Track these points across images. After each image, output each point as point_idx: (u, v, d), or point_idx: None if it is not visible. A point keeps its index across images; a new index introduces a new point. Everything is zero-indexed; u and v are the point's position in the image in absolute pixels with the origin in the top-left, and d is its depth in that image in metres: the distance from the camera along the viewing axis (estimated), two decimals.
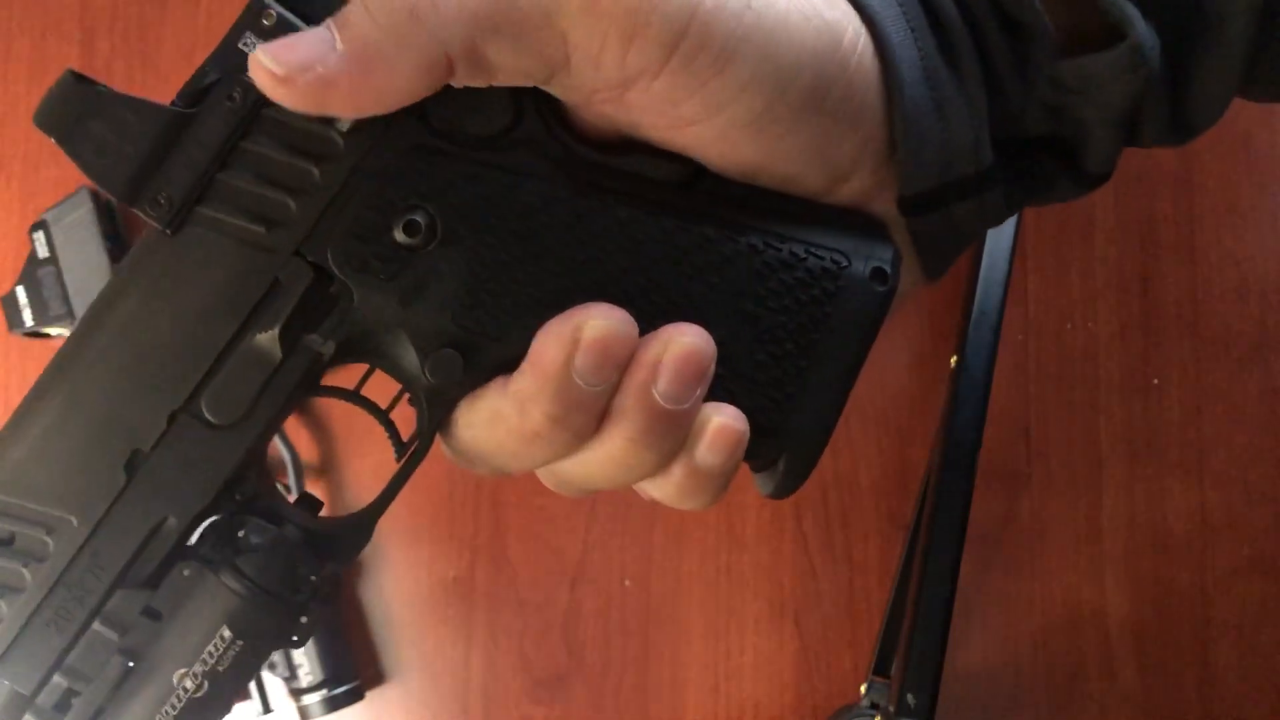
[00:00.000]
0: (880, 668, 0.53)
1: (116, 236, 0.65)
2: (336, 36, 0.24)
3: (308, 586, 0.28)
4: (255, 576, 0.26)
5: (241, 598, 0.26)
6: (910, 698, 0.47)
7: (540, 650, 0.60)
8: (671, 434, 0.26)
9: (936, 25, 0.27)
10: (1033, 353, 0.58)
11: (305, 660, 0.60)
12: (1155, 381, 0.57)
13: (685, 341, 0.25)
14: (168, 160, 0.25)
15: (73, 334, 0.27)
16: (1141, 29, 0.27)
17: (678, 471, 0.27)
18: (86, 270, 0.63)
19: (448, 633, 0.61)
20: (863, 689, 0.53)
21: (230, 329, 0.26)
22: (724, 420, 0.26)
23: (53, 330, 0.64)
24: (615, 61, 0.25)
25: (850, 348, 0.27)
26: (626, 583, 0.60)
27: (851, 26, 0.27)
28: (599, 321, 0.25)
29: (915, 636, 0.48)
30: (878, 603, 0.57)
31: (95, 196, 0.64)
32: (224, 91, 0.25)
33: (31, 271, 0.64)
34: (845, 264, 0.27)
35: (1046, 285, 0.58)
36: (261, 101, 0.25)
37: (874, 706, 0.53)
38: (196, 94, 0.25)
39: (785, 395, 0.27)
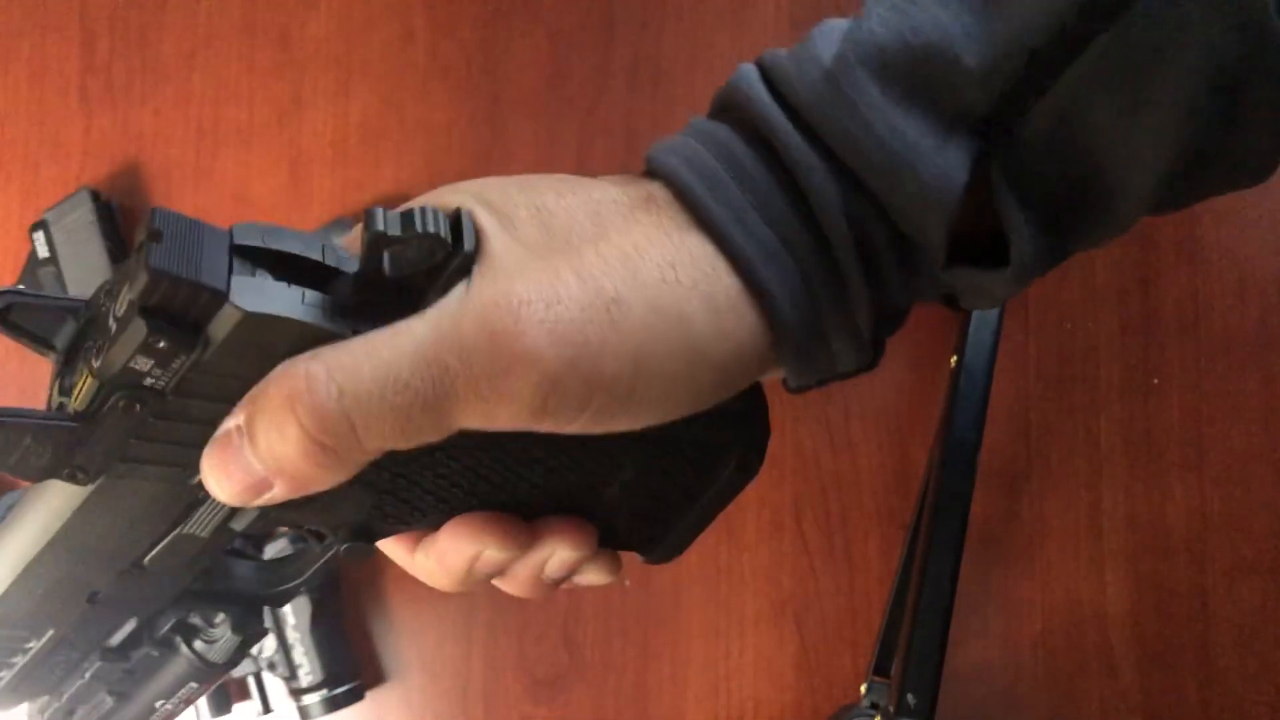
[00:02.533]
0: (880, 668, 0.53)
1: (116, 236, 0.65)
2: (272, 477, 0.26)
3: (251, 644, 0.35)
4: (205, 654, 0.33)
5: (198, 667, 0.33)
6: (910, 698, 0.47)
7: (540, 650, 0.60)
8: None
9: (823, 251, 0.28)
10: (1033, 353, 0.58)
11: (305, 660, 0.60)
12: (1155, 381, 0.57)
13: (567, 555, 0.31)
14: (78, 452, 0.26)
15: (19, 516, 0.29)
16: (1025, 247, 0.28)
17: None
18: (86, 270, 0.63)
19: (448, 633, 0.61)
20: (863, 689, 0.53)
21: (161, 530, 0.29)
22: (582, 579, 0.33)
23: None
24: (521, 423, 0.26)
25: (716, 506, 0.33)
26: (626, 583, 0.60)
27: (737, 294, 0.27)
28: (494, 553, 0.30)
29: (915, 636, 0.48)
30: (878, 603, 0.57)
31: (95, 196, 0.64)
32: (123, 401, 0.25)
33: (31, 271, 0.64)
34: (726, 450, 0.32)
35: (1046, 285, 0.58)
36: (162, 398, 0.26)
37: (874, 706, 0.53)
38: (94, 400, 0.25)
39: (664, 529, 0.33)
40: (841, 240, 0.27)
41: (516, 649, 0.60)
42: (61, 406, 0.26)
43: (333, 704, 0.60)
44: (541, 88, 0.63)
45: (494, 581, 0.32)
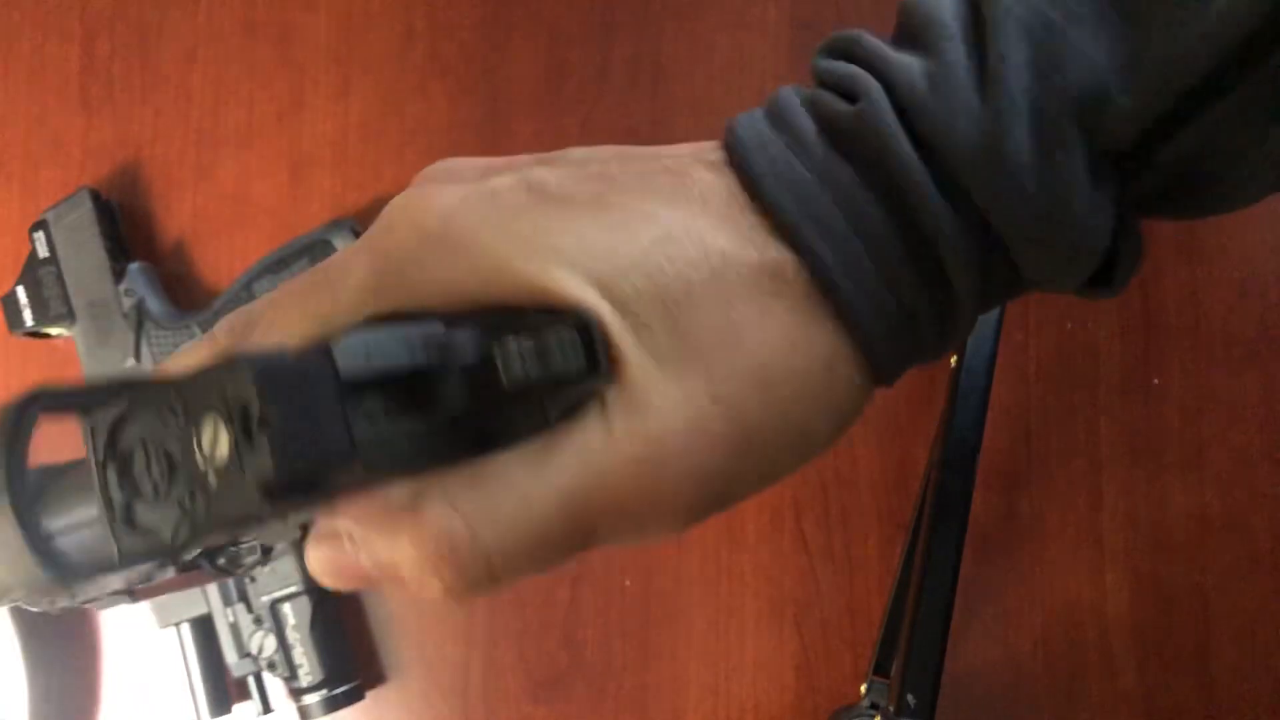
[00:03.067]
0: (880, 668, 0.53)
1: (116, 236, 0.65)
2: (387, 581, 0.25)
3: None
4: (228, 569, 0.32)
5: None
6: (910, 698, 0.47)
7: (540, 650, 0.60)
8: None
9: (943, 312, 0.26)
10: (1033, 353, 0.58)
11: (305, 660, 0.60)
12: (1155, 381, 0.57)
13: None
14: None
15: None
16: (1133, 268, 0.27)
17: None
18: (86, 270, 0.63)
19: (448, 633, 0.61)
20: (863, 689, 0.53)
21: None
22: None
23: (53, 330, 0.64)
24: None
25: None
26: (626, 583, 0.60)
27: (857, 390, 0.27)
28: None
29: (915, 636, 0.48)
30: (878, 603, 0.57)
31: (95, 196, 0.64)
32: (221, 565, 0.25)
33: (31, 271, 0.64)
34: None
35: None
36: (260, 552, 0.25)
37: (874, 706, 0.53)
38: (192, 546, 0.23)
39: None
40: (969, 301, 0.26)
41: (516, 649, 0.60)
42: (129, 509, 0.22)
43: (333, 704, 0.60)
44: (541, 88, 0.63)
45: None
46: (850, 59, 0.27)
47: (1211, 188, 0.27)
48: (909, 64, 0.25)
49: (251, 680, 0.61)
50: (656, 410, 0.23)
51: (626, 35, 0.62)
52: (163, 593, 0.35)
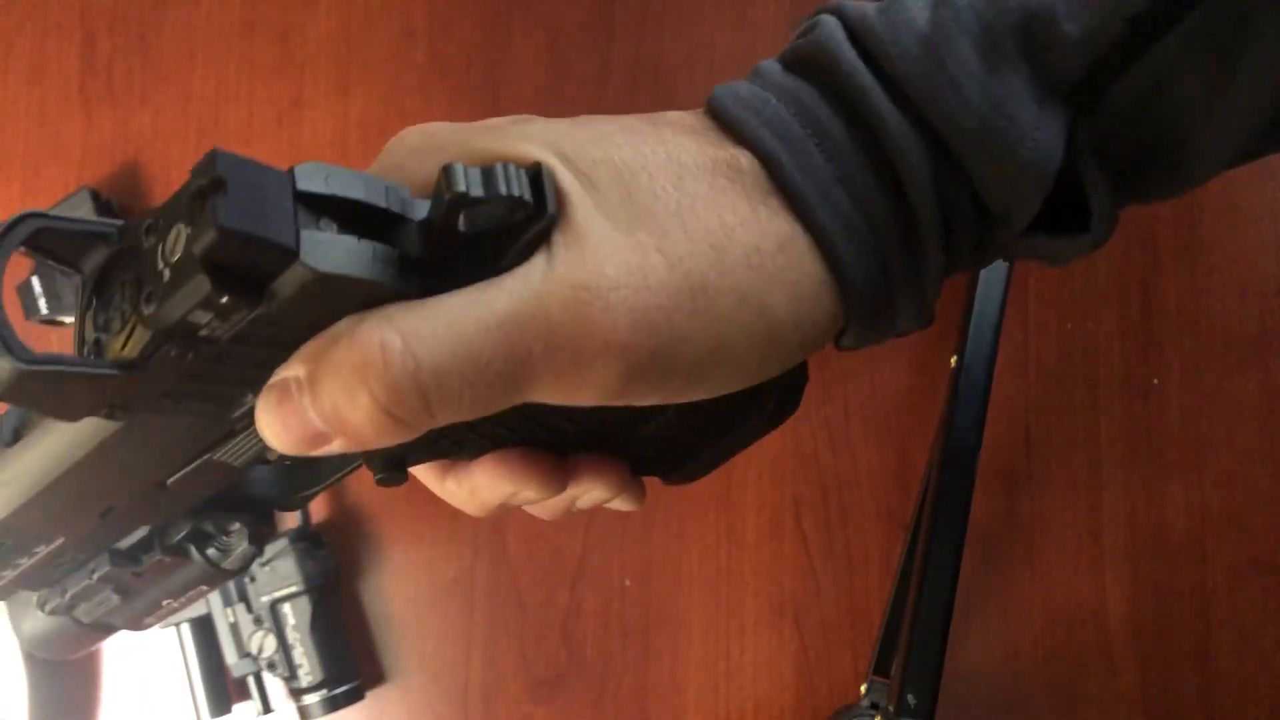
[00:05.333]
0: (880, 668, 0.53)
1: None
2: (332, 435, 0.25)
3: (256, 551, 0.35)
4: (218, 561, 0.33)
5: (210, 572, 0.34)
6: (910, 698, 0.47)
7: (540, 650, 0.60)
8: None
9: (907, 226, 0.27)
10: (1033, 353, 0.58)
11: (305, 660, 0.60)
12: (1155, 381, 0.57)
13: (600, 494, 0.32)
14: (122, 395, 0.25)
15: (42, 437, 0.28)
16: (1106, 214, 0.27)
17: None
18: None
19: (448, 633, 0.61)
20: (863, 689, 0.53)
21: (191, 455, 0.29)
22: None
23: (67, 318, 0.64)
24: (595, 402, 0.26)
25: (743, 442, 0.33)
26: (626, 583, 0.60)
27: (819, 281, 0.26)
28: (530, 493, 0.31)
29: (915, 636, 0.48)
30: (878, 603, 0.57)
31: (95, 196, 0.64)
32: (176, 351, 0.24)
33: (31, 271, 0.64)
34: (767, 393, 0.31)
35: (1046, 285, 0.58)
36: (216, 347, 0.24)
37: (874, 706, 0.53)
38: (145, 349, 0.24)
39: (690, 458, 0.33)
40: (928, 217, 0.26)
41: (516, 649, 0.60)
42: (98, 344, 0.24)
43: (332, 704, 0.60)
44: (541, 88, 0.63)
45: (524, 508, 0.33)
46: (818, 14, 0.29)
47: (1176, 146, 0.27)
48: (864, 3, 0.27)
49: (251, 680, 0.61)
50: (597, 247, 0.24)
51: (626, 35, 0.62)
52: (166, 612, 0.36)
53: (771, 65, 0.28)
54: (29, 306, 0.64)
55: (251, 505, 0.33)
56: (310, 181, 0.23)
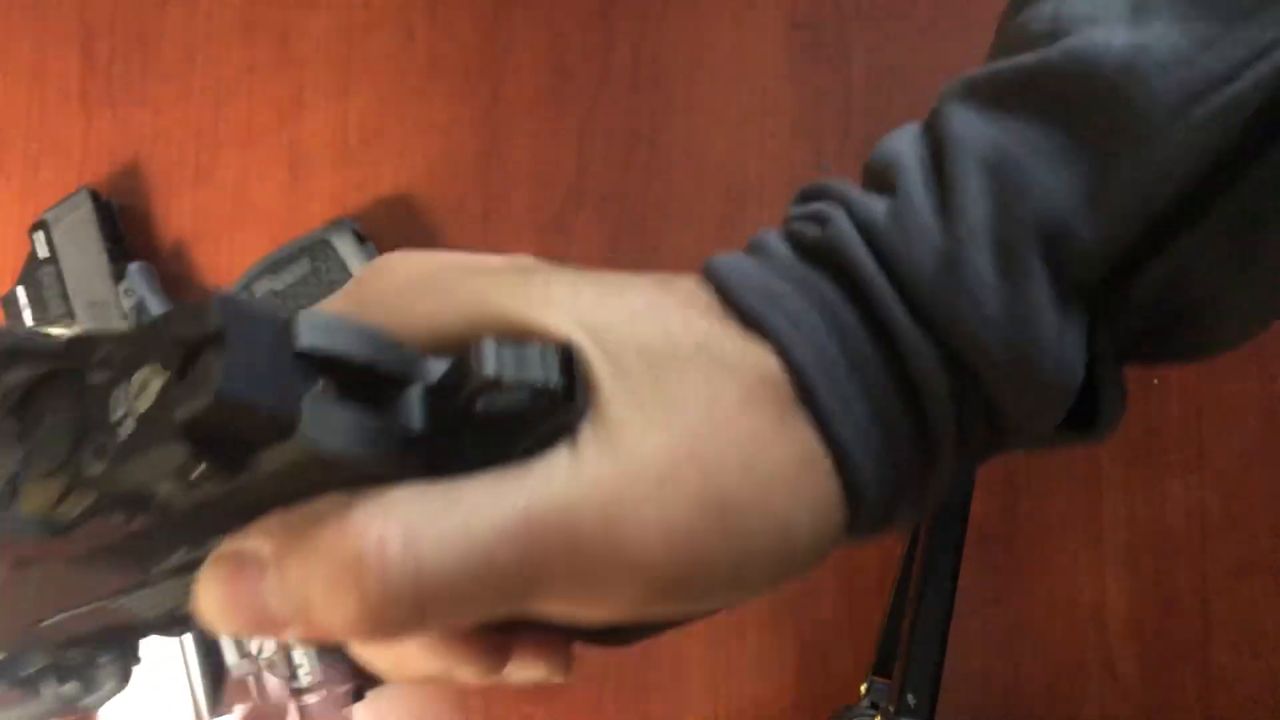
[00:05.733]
0: (880, 668, 0.53)
1: (116, 236, 0.65)
2: (293, 626, 0.21)
3: None
4: (76, 698, 0.30)
5: (66, 707, 0.30)
6: (910, 698, 0.47)
7: None
8: None
9: (923, 442, 0.25)
10: None
11: (305, 660, 0.60)
12: (1155, 381, 0.57)
13: (534, 675, 0.27)
14: (36, 554, 0.22)
15: None
16: (1118, 409, 0.27)
17: None
18: (86, 270, 0.63)
19: None
20: (863, 689, 0.53)
21: (89, 600, 0.25)
22: None
23: (53, 330, 0.64)
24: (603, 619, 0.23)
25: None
26: None
27: (838, 499, 0.25)
28: (463, 674, 0.26)
29: (915, 636, 0.48)
30: (878, 603, 0.57)
31: (95, 196, 0.64)
32: (121, 518, 0.20)
33: (31, 271, 0.64)
34: None
35: None
36: (168, 513, 0.21)
37: (874, 706, 0.53)
38: (84, 513, 0.20)
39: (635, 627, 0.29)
40: (946, 436, 0.25)
41: None
42: (14, 487, 0.20)
43: (333, 704, 0.60)
44: (541, 88, 0.63)
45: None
46: (819, 198, 0.27)
47: (1194, 324, 0.26)
48: (872, 200, 0.26)
49: (251, 680, 0.61)
50: (631, 449, 0.22)
51: (626, 35, 0.62)
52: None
53: (779, 245, 0.26)
54: (13, 319, 0.64)
55: (127, 631, 0.27)
56: (312, 336, 0.19)
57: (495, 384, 0.20)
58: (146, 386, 0.18)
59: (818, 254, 0.26)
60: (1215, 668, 0.55)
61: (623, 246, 0.60)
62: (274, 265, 0.60)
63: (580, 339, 0.22)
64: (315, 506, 0.20)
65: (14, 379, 0.20)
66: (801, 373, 0.24)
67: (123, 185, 0.67)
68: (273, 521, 0.21)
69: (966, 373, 0.25)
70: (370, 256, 0.60)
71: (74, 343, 0.20)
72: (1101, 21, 0.24)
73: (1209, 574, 0.55)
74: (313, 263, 0.59)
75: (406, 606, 0.20)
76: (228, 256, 0.65)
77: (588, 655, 0.61)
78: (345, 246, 0.59)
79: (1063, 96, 0.24)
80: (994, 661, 0.56)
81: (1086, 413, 0.27)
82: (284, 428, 0.18)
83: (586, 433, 0.22)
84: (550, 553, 0.21)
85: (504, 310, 0.23)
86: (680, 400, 0.23)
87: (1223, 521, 0.55)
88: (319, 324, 0.19)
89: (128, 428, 0.18)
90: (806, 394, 0.24)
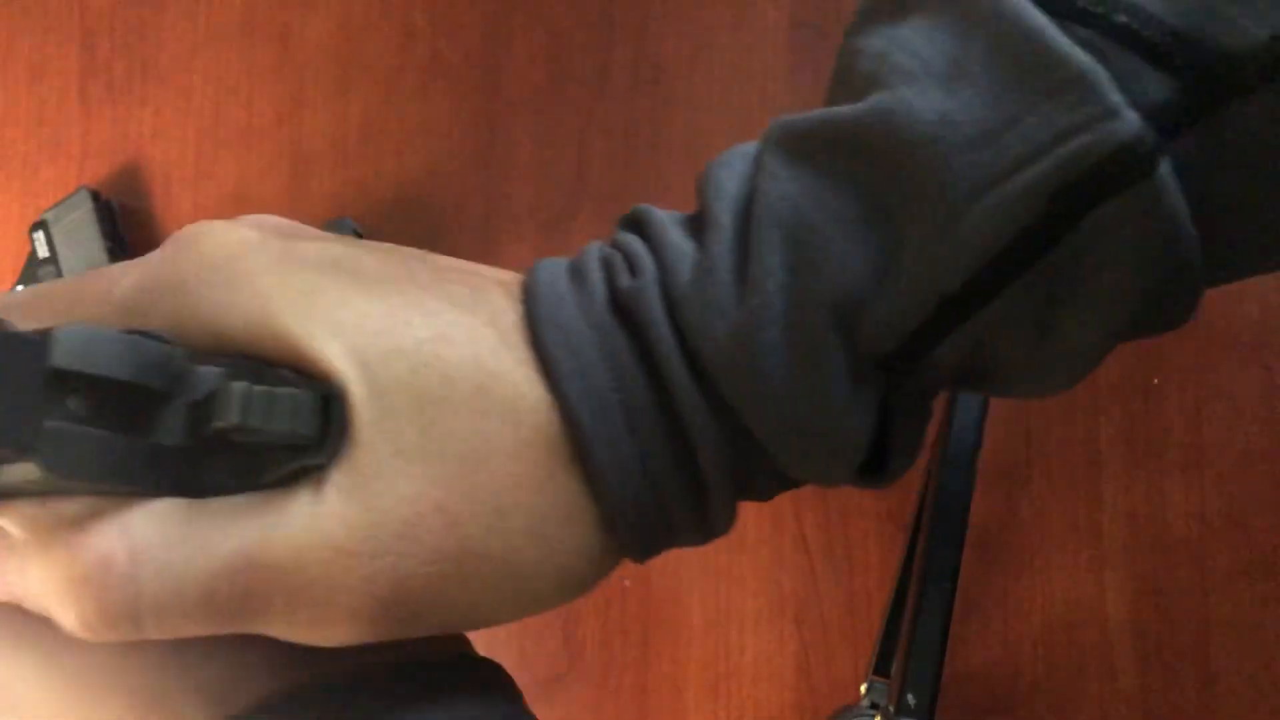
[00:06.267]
0: (880, 668, 0.53)
1: (116, 236, 0.65)
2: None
3: None
4: None
5: None
6: (910, 698, 0.47)
7: (540, 650, 0.60)
8: None
9: (699, 487, 0.25)
10: None
11: None
12: (1155, 381, 0.57)
13: None
14: None
15: None
16: (904, 462, 0.27)
17: None
18: (86, 270, 0.63)
19: None
20: (863, 689, 0.53)
21: None
22: None
23: None
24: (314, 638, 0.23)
25: None
26: (626, 582, 0.60)
27: (600, 548, 0.25)
28: None
29: (915, 637, 0.48)
30: (878, 603, 0.57)
31: (95, 196, 0.64)
32: None
33: (31, 271, 0.64)
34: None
35: None
36: None
37: (874, 706, 0.53)
38: None
39: None
40: (720, 487, 0.25)
41: (517, 649, 0.60)
42: None
43: None
44: (541, 88, 0.63)
45: None
46: (640, 229, 0.27)
47: (1000, 381, 0.27)
48: (683, 253, 0.26)
49: None
50: (375, 498, 0.22)
51: (626, 35, 0.62)
52: None
53: (598, 282, 0.26)
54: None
55: None
56: (68, 355, 0.20)
57: (239, 429, 0.21)
58: None
59: (623, 307, 0.26)
60: (1215, 668, 0.55)
61: None
62: None
63: (350, 378, 0.22)
64: (65, 507, 0.21)
65: None
66: (580, 431, 0.24)
67: (123, 185, 0.67)
68: (28, 508, 0.22)
69: (751, 439, 0.25)
70: None
71: None
72: (919, 79, 0.24)
73: (1209, 574, 0.55)
74: None
75: (123, 623, 0.21)
76: None
77: (587, 654, 0.61)
78: None
79: (869, 158, 0.24)
80: (994, 661, 0.56)
81: (876, 458, 0.27)
82: (21, 449, 0.19)
83: (334, 477, 0.22)
84: (271, 591, 0.22)
85: (284, 329, 0.22)
86: (443, 446, 0.23)
87: (1223, 521, 0.55)
88: (77, 342, 0.20)
89: None
90: (582, 453, 0.24)
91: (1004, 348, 0.25)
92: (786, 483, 0.27)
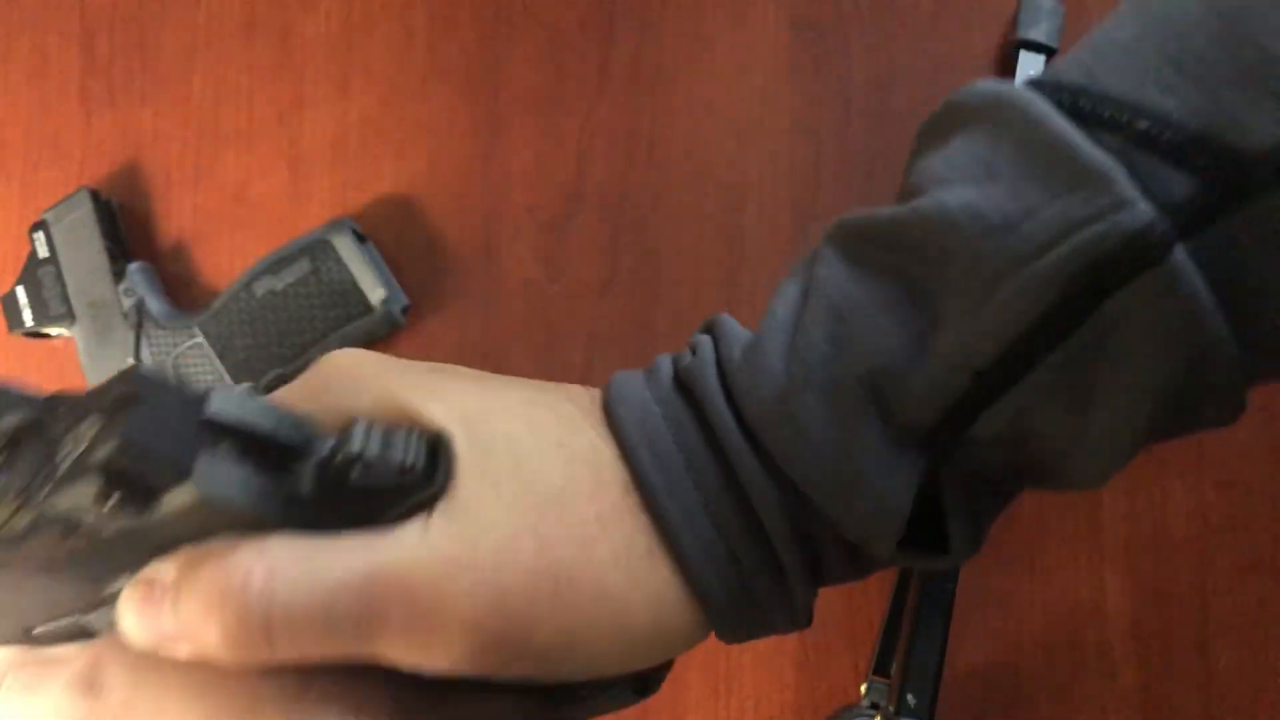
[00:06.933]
0: (880, 668, 0.53)
1: (116, 236, 0.65)
2: (181, 643, 0.25)
3: None
4: None
5: None
6: (910, 698, 0.47)
7: None
8: None
9: (767, 554, 0.28)
10: None
11: None
12: None
13: None
14: None
15: None
16: (965, 542, 0.29)
17: None
18: (86, 270, 0.63)
19: None
20: (863, 689, 0.53)
21: (62, 613, 0.29)
22: None
23: (52, 330, 0.64)
24: (443, 671, 0.26)
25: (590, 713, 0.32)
26: None
27: (678, 593, 0.28)
28: None
29: (915, 636, 0.48)
30: (878, 603, 0.57)
31: (95, 196, 0.64)
32: (56, 536, 0.25)
33: (31, 271, 0.64)
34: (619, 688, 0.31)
35: None
36: (96, 538, 0.25)
37: (874, 706, 0.53)
38: (26, 528, 0.25)
39: None
40: (785, 549, 0.28)
41: None
42: None
43: None
44: (541, 88, 0.63)
45: None
46: (709, 329, 0.31)
47: (1046, 465, 0.28)
48: (740, 336, 0.30)
49: None
50: (475, 521, 0.25)
51: (626, 35, 0.62)
52: None
53: (667, 368, 0.30)
54: (12, 319, 0.64)
55: None
56: (221, 409, 0.24)
57: (359, 458, 0.25)
58: (89, 431, 0.23)
59: (684, 383, 0.30)
60: (1215, 668, 0.55)
61: (623, 246, 0.60)
62: (274, 265, 0.60)
63: (454, 428, 0.26)
64: (212, 543, 0.25)
65: (6, 423, 0.25)
66: (645, 479, 0.27)
67: (123, 185, 0.67)
68: (180, 554, 0.25)
69: (799, 494, 0.28)
70: (370, 256, 0.60)
71: (50, 398, 0.25)
72: (953, 182, 0.27)
73: (1209, 574, 0.55)
74: (313, 262, 0.59)
75: (258, 633, 0.24)
76: (228, 256, 0.65)
77: None
78: (345, 246, 0.59)
79: (908, 249, 0.27)
80: (994, 661, 0.56)
81: (941, 537, 0.30)
82: (180, 473, 0.23)
83: (440, 507, 0.26)
84: (388, 604, 0.25)
85: (400, 400, 0.27)
86: (533, 483, 0.26)
87: (1223, 521, 0.55)
88: (230, 399, 0.25)
89: (66, 464, 0.23)
90: (647, 495, 0.27)
91: (1042, 427, 0.27)
92: (856, 558, 0.30)
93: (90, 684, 0.27)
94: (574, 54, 0.63)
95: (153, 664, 0.27)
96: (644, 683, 0.32)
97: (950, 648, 0.48)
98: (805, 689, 0.57)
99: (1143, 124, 0.24)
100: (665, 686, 0.60)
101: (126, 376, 0.23)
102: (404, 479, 0.26)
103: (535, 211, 0.61)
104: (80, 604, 0.28)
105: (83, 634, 0.29)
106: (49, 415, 0.25)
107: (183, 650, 0.25)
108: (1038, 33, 0.53)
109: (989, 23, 0.57)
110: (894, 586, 0.55)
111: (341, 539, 0.25)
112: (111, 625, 0.28)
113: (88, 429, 0.23)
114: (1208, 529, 0.55)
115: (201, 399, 0.24)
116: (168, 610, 0.25)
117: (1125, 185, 0.24)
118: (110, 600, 0.28)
